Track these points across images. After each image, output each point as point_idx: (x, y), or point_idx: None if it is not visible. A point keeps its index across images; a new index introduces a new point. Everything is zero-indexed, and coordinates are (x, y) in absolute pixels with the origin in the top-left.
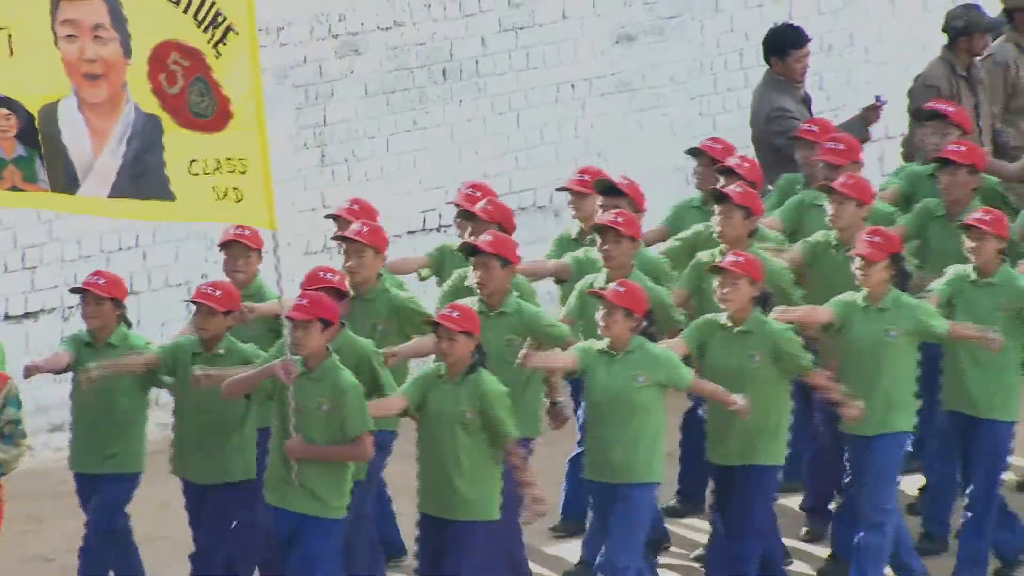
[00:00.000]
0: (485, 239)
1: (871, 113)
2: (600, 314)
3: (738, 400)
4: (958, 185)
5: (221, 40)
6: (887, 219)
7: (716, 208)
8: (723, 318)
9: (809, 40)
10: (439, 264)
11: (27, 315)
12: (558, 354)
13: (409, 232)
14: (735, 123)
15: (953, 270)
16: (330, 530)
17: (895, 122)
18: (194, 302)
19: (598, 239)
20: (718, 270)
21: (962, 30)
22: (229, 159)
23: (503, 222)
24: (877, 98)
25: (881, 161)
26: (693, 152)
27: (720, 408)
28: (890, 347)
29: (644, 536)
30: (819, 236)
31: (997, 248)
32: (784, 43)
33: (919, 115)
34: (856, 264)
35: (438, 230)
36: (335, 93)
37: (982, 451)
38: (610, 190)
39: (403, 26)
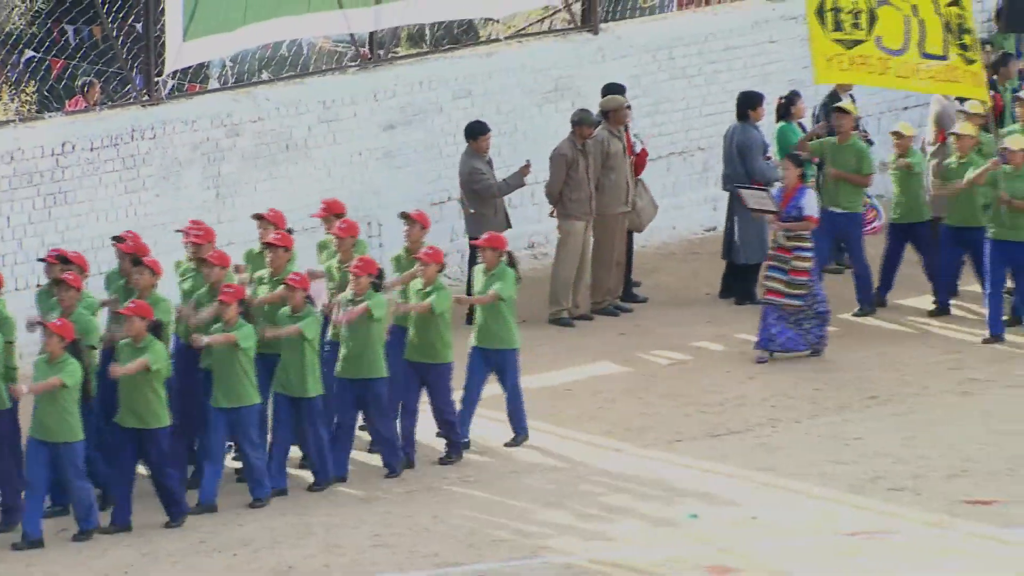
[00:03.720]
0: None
1: (525, 170)
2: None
3: None
4: (344, 247)
5: None
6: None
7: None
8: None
9: (489, 129)
10: None
11: None
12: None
13: None
14: (451, 174)
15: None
16: None
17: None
18: None
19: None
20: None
21: (577, 122)
22: None
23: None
24: (527, 161)
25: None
26: (258, 217)
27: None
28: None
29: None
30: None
31: (437, 272)
32: (476, 131)
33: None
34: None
35: (289, 231)
36: (225, 158)
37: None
38: (136, 261)
39: (264, 120)
